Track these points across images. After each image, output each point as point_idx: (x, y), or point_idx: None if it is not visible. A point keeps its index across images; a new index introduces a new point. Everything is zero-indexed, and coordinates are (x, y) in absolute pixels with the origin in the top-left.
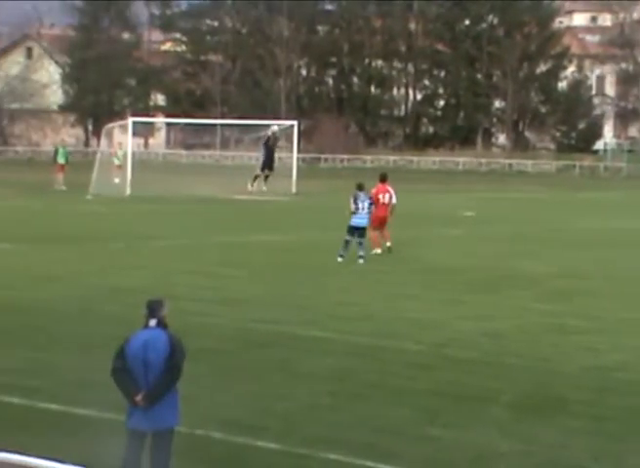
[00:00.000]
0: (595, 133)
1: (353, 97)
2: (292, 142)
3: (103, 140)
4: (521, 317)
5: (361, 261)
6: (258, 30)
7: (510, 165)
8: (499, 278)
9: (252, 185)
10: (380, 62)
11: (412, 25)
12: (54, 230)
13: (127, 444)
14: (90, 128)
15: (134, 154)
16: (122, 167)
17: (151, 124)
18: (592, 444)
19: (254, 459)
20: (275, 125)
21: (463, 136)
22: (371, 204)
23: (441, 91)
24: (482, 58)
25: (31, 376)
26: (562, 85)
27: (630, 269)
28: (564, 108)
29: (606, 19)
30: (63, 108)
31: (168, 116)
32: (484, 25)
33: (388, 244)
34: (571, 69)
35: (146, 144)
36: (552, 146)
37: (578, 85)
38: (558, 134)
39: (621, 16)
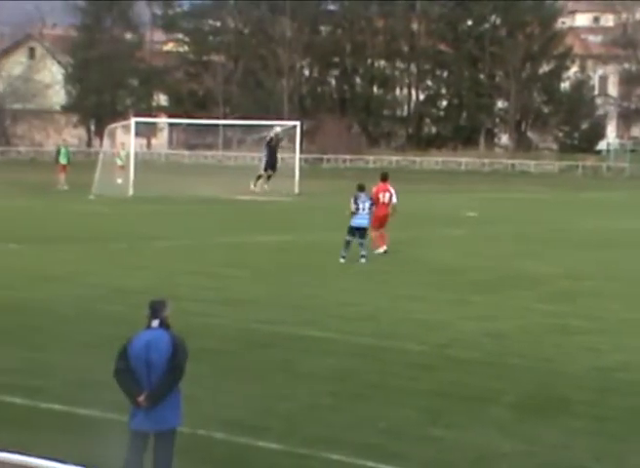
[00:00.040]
0: (598, 133)
1: (356, 98)
2: (294, 143)
3: (106, 141)
4: (524, 317)
5: (363, 261)
6: (260, 30)
7: (513, 165)
8: (501, 278)
9: (254, 185)
10: (382, 63)
11: (414, 25)
12: (56, 230)
13: (129, 444)
14: (92, 128)
15: (136, 154)
16: (124, 167)
17: (154, 124)
18: (594, 444)
19: (255, 459)
20: (278, 126)
21: (466, 137)
22: (372, 204)
23: (444, 91)
24: (484, 58)
25: (33, 376)
26: (565, 85)
27: (633, 270)
28: (567, 108)
29: (608, 20)
30: (66, 109)
31: (170, 116)
32: (486, 26)
33: (381, 250)
34: (573, 69)
35: (149, 145)
36: (555, 147)
37: (580, 85)
38: (561, 134)
39: (624, 16)
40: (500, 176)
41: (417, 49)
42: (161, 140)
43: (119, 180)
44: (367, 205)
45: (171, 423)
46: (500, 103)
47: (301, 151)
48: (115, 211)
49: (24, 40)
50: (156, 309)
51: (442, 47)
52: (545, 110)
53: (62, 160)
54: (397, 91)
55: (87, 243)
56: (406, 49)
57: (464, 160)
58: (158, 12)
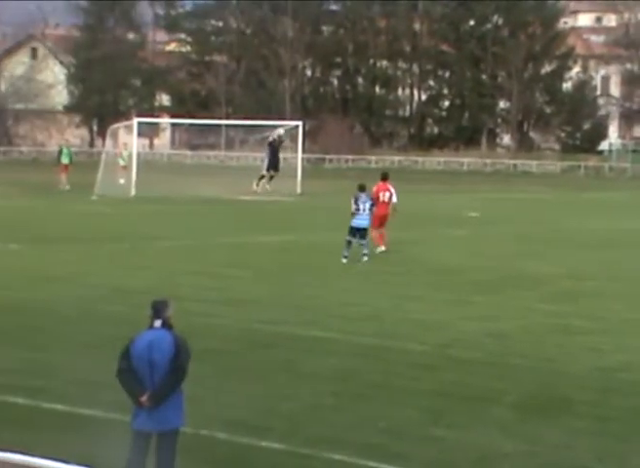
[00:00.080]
0: (600, 133)
1: (358, 98)
2: (296, 143)
3: (108, 141)
4: (525, 317)
5: (365, 258)
6: (262, 31)
7: (515, 165)
8: (503, 278)
9: (257, 185)
10: (384, 63)
11: (416, 26)
12: (58, 231)
13: (132, 444)
14: (95, 128)
15: (139, 155)
16: (127, 167)
17: (156, 124)
18: (596, 444)
19: (258, 459)
20: (281, 128)
21: (468, 137)
22: (372, 205)
23: (446, 91)
24: (487, 58)
25: (35, 377)
26: (567, 85)
27: (635, 270)
28: (569, 109)
29: (611, 20)
30: (68, 109)
31: (173, 116)
32: (489, 26)
33: (382, 248)
34: (576, 70)
35: (151, 145)
36: (557, 147)
37: (582, 85)
38: (563, 134)
39: (626, 16)
40: (502, 177)
41: (419, 49)
42: (163, 141)
43: (121, 181)
44: (367, 205)
45: (173, 423)
46: (503, 104)
47: (304, 151)
48: (117, 211)
49: (27, 40)
50: (158, 309)
51: (444, 47)
52: (548, 110)
53: (64, 160)
54: (399, 91)
55: (89, 243)
56: (408, 49)
57: (466, 160)
58: (160, 12)
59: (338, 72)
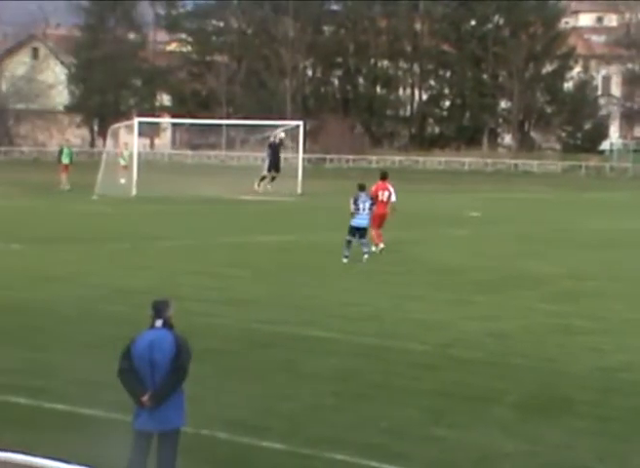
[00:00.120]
0: (601, 133)
1: (359, 98)
2: (297, 143)
3: (109, 141)
4: (526, 317)
5: (366, 256)
6: (263, 31)
7: (516, 165)
8: (504, 278)
9: (258, 185)
10: (385, 63)
11: (417, 26)
12: (59, 231)
13: (133, 444)
14: (96, 128)
15: (139, 154)
16: (128, 167)
17: (157, 124)
18: (597, 444)
19: (259, 459)
20: (282, 132)
21: (469, 137)
22: (372, 204)
23: (447, 91)
24: (488, 58)
25: (36, 377)
26: (568, 85)
27: (636, 270)
28: (570, 109)
29: (612, 20)
30: (69, 109)
31: (173, 116)
32: (490, 26)
33: (382, 246)
34: (577, 70)
35: (152, 145)
36: (558, 147)
37: (583, 85)
38: (564, 134)
39: (627, 16)
40: (502, 176)
41: (420, 49)
42: (164, 140)
43: (122, 180)
44: (367, 205)
45: (174, 423)
46: (504, 103)
47: (304, 151)
48: (118, 211)
49: (28, 40)
50: (159, 309)
51: (445, 47)
52: (548, 110)
53: (65, 160)
54: (400, 91)
55: (89, 243)
56: (409, 49)
57: (467, 160)
58: (161, 12)
59: (339, 72)
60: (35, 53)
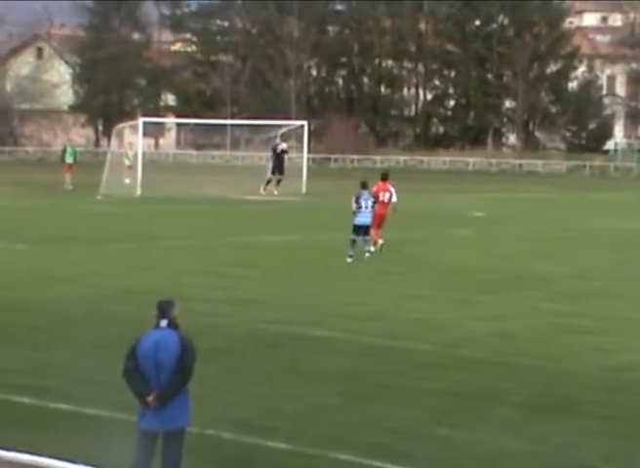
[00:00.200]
0: (606, 133)
1: (363, 98)
2: (302, 143)
3: (114, 141)
4: (532, 317)
5: (367, 255)
6: (268, 30)
7: (521, 165)
8: (509, 278)
9: (264, 190)
10: (390, 62)
11: (422, 25)
12: (63, 230)
13: (138, 444)
14: (100, 128)
15: (144, 154)
16: (132, 167)
17: (161, 124)
18: (603, 444)
19: (264, 459)
20: (285, 143)
21: (474, 137)
22: (374, 202)
23: (451, 91)
24: (492, 58)
25: (41, 376)
26: (572, 85)
27: None
28: (574, 108)
29: (616, 20)
30: (74, 108)
31: (178, 116)
32: (494, 26)
33: (381, 241)
34: (581, 69)
35: (157, 145)
36: (562, 146)
37: (588, 85)
38: (568, 134)
39: (632, 16)
40: (507, 176)
41: (424, 49)
42: (169, 140)
43: (127, 180)
44: (369, 203)
45: (180, 423)
46: (508, 103)
47: (309, 151)
48: (123, 211)
49: (32, 40)
50: (164, 309)
51: (449, 47)
52: (553, 110)
53: (69, 159)
54: (405, 90)
55: (94, 243)
56: (413, 49)
57: (472, 160)
58: (166, 12)
59: (343, 72)
60: (40, 52)
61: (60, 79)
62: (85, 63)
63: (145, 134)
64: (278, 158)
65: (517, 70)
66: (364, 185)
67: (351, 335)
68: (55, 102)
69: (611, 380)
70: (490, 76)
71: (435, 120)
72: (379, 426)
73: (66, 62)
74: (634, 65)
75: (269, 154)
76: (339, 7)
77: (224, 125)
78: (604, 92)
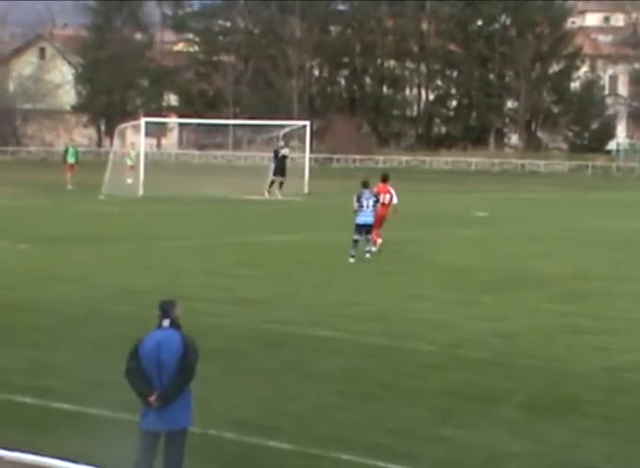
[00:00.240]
0: (608, 133)
1: (366, 98)
2: (304, 143)
3: (116, 141)
4: (533, 317)
5: (368, 256)
6: (270, 30)
7: (523, 165)
8: (511, 278)
9: (268, 192)
10: (392, 63)
11: (424, 26)
12: (66, 230)
13: (140, 444)
14: (102, 128)
15: (146, 154)
16: (135, 167)
17: (164, 124)
18: (604, 444)
19: (266, 459)
20: (287, 148)
21: (476, 137)
22: (376, 201)
23: (453, 91)
24: (494, 58)
25: (43, 376)
26: (575, 85)
27: None
28: (577, 108)
29: (619, 20)
30: (76, 109)
31: (180, 116)
32: (496, 26)
33: (380, 240)
34: (583, 69)
35: (159, 145)
36: (565, 146)
37: (590, 85)
38: (571, 134)
39: (634, 16)
40: (509, 176)
41: (426, 49)
42: (171, 140)
43: (129, 180)
44: (371, 202)
45: (182, 423)
46: (510, 103)
47: (311, 151)
48: (125, 211)
49: (35, 40)
50: (166, 309)
51: (452, 47)
52: (555, 110)
53: (70, 159)
54: (407, 91)
55: (96, 243)
56: (416, 49)
57: (474, 160)
58: (168, 12)
59: (345, 72)
60: (42, 53)
61: (63, 79)
62: (87, 63)
63: (148, 134)
64: (279, 161)
65: (519, 70)
66: (365, 184)
67: (353, 335)
68: (57, 102)
69: (612, 380)
70: (492, 76)
71: (437, 120)
72: (381, 426)
73: (69, 63)
74: (636, 65)
75: (271, 155)
76: (341, 7)
77: (227, 125)
78: (606, 92)
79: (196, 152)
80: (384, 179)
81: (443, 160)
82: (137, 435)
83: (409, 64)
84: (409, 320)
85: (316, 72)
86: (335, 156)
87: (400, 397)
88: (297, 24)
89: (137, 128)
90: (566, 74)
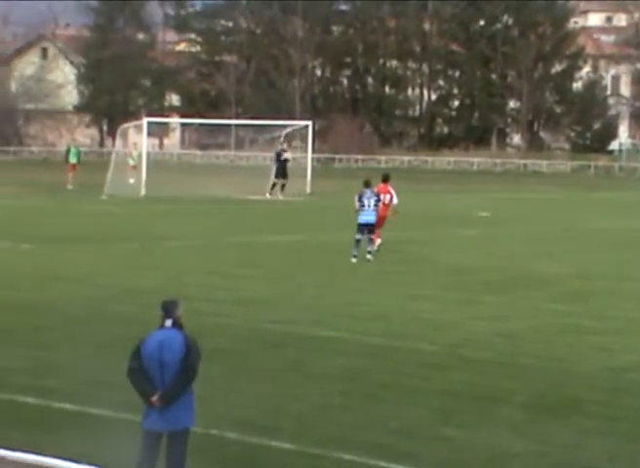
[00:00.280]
0: (610, 133)
1: (368, 98)
2: (306, 143)
3: (118, 141)
4: (536, 317)
5: (369, 256)
6: (272, 30)
7: (525, 165)
8: (513, 278)
9: (270, 194)
10: (394, 63)
11: (426, 25)
12: (68, 230)
13: (142, 444)
14: (105, 128)
15: (148, 154)
16: (137, 167)
17: (166, 124)
18: (607, 444)
19: (268, 459)
20: (289, 153)
21: (478, 137)
22: (378, 200)
23: (456, 91)
24: (497, 58)
25: (45, 376)
26: (577, 85)
27: None
28: (579, 108)
29: (621, 20)
30: (78, 109)
31: (182, 116)
32: (499, 26)
33: (379, 240)
34: (586, 69)
35: (161, 145)
36: (567, 146)
37: (593, 85)
38: (573, 134)
39: (637, 16)
40: (512, 176)
41: (429, 49)
42: (173, 140)
43: (131, 180)
44: (372, 201)
45: (184, 423)
46: (513, 103)
47: (313, 151)
48: (127, 211)
49: (37, 40)
50: (169, 309)
51: (454, 47)
52: (558, 110)
53: (72, 159)
54: (409, 91)
55: (99, 243)
56: (418, 49)
57: (476, 160)
58: (170, 12)
59: (347, 72)
60: (44, 53)
61: (65, 79)
62: (90, 64)
63: (150, 134)
64: (281, 164)
65: (522, 70)
66: (367, 184)
67: (355, 335)
68: (59, 103)
69: (614, 380)
70: (494, 76)
71: (440, 120)
72: (382, 426)
73: (71, 63)
74: (639, 65)
75: (272, 156)
76: (343, 7)
77: (229, 125)
78: (608, 92)
79: (198, 152)
80: (385, 180)
81: (445, 160)
82: (139, 435)
83: (411, 64)
84: (411, 320)
85: (318, 72)
86: (337, 156)
87: (402, 397)
88: (299, 24)
89: (139, 128)
90: (568, 74)
